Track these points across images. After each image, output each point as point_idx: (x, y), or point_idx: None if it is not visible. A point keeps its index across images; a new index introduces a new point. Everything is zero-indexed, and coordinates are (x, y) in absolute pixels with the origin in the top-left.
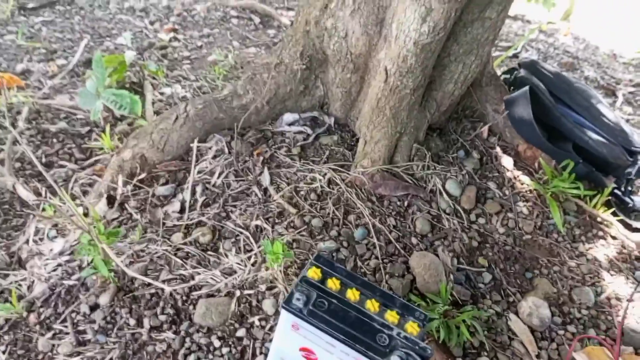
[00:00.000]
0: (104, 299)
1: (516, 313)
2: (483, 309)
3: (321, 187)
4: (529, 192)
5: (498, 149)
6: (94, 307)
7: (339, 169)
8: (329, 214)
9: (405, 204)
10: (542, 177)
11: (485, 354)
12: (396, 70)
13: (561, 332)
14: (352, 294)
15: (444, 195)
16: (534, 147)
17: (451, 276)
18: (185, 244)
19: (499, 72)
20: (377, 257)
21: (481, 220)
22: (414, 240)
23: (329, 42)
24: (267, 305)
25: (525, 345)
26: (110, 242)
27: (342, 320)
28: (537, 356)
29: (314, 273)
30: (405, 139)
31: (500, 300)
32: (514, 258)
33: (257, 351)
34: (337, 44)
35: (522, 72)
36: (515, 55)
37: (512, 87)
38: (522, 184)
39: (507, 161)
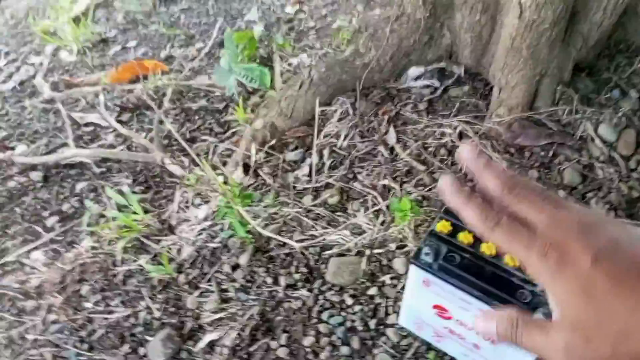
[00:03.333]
0: (243, 259)
1: None
2: None
3: (451, 141)
4: None
5: None
6: (234, 267)
7: (471, 121)
8: (460, 169)
9: (550, 154)
10: None
11: None
12: (532, 3)
13: None
14: (488, 248)
15: (597, 141)
16: None
17: None
18: (315, 205)
19: None
20: None
21: None
22: (561, 193)
23: None
24: (398, 264)
25: None
26: (244, 204)
27: (477, 276)
28: None
29: (443, 227)
30: (547, 81)
31: None
32: None
33: (390, 310)
34: None
35: None
36: None
37: None
38: None
39: None
